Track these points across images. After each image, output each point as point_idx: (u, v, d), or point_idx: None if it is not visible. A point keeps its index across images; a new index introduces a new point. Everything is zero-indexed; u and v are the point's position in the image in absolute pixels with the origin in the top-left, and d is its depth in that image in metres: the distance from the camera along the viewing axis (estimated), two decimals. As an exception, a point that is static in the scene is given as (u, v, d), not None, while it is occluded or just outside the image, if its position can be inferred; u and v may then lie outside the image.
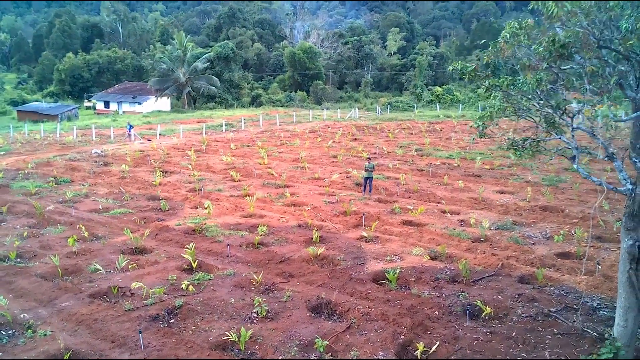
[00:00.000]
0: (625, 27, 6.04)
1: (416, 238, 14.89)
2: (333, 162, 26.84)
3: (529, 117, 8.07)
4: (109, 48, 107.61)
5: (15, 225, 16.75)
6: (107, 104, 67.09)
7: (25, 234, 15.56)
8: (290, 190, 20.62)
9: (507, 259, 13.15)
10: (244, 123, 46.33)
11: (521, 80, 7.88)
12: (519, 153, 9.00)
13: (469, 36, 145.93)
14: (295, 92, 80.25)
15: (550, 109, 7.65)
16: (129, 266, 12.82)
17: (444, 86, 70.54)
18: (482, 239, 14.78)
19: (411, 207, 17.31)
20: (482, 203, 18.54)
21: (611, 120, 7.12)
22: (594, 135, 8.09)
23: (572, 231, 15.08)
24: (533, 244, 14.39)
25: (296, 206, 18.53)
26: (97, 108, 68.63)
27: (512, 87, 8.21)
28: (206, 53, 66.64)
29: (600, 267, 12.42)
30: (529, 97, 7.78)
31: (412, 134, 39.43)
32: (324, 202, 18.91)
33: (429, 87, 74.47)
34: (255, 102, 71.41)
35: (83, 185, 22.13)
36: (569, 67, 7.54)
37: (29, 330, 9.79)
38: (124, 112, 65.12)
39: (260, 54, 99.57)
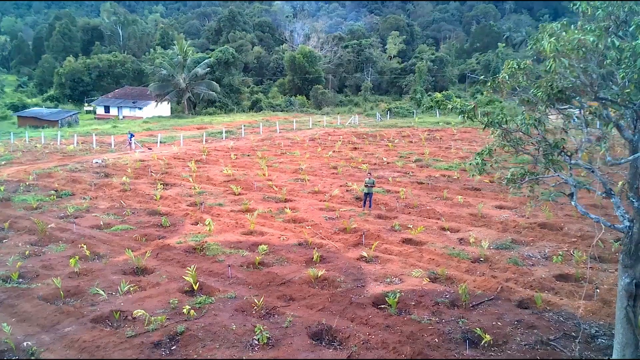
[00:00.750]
0: (623, 76, 6.14)
1: (416, 258, 14.99)
2: (333, 173, 26.93)
3: (527, 153, 8.16)
4: (109, 51, 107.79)
5: (17, 242, 16.83)
6: (107, 109, 67.19)
7: (27, 252, 15.66)
8: (291, 205, 20.71)
9: (507, 281, 13.25)
10: (244, 130, 46.43)
11: (519, 119, 7.97)
12: (518, 186, 9.10)
13: (468, 39, 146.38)
14: (295, 96, 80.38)
15: (548, 147, 7.74)
16: (131, 288, 12.90)
17: (443, 92, 70.69)
18: (481, 259, 14.89)
19: (411, 226, 17.38)
20: (482, 220, 18.63)
21: (609, 162, 7.21)
22: (593, 171, 8.18)
23: (571, 251, 15.18)
24: (532, 265, 14.49)
25: (296, 222, 18.62)
26: (97, 112, 68.78)
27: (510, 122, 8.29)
28: (206, 58, 66.76)
29: (598, 290, 12.52)
30: (528, 134, 7.87)
31: (411, 142, 39.54)
32: (324, 218, 19.00)
33: (429, 92, 74.65)
34: (255, 106, 71.56)
35: (84, 198, 22.22)
36: (567, 107, 7.64)
37: (32, 358, 9.88)
38: (124, 117, 65.24)
39: (260, 57, 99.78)
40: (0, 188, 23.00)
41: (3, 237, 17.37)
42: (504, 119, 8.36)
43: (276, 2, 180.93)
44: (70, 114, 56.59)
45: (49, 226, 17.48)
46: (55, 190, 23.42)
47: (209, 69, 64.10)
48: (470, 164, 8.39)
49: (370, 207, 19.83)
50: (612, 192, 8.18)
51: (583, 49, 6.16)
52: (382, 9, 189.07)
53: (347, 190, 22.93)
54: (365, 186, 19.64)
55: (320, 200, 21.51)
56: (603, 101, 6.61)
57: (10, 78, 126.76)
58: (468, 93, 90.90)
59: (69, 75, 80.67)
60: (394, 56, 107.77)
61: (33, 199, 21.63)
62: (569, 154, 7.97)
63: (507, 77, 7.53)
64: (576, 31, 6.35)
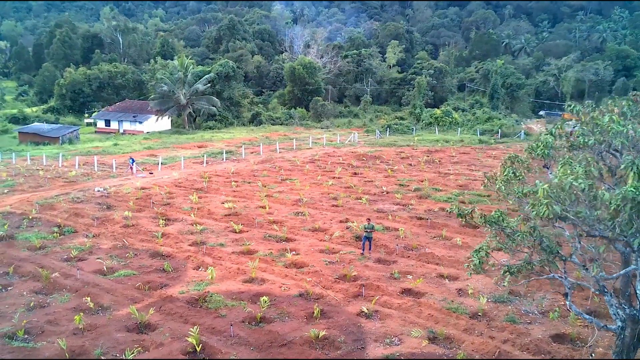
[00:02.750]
0: (614, 207, 6.41)
1: (415, 313, 15.24)
2: (333, 205, 27.16)
3: (523, 260, 8.43)
4: (109, 59, 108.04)
5: (21, 290, 17.09)
6: (107, 122, 67.43)
7: (31, 303, 15.92)
8: (291, 246, 20.95)
9: (504, 342, 13.49)
10: (244, 150, 46.67)
11: (514, 222, 8.22)
12: (515, 276, 9.36)
13: (467, 46, 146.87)
14: (295, 108, 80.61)
15: (544, 253, 8.00)
16: (135, 348, 13.14)
17: (442, 106, 71.08)
18: (479, 314, 15.15)
19: (410, 277, 17.65)
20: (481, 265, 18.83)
21: (602, 277, 7.47)
22: (587, 269, 8.44)
23: (567, 306, 15.42)
24: (529, 322, 14.74)
25: (297, 267, 18.87)
26: (97, 126, 69.03)
27: (505, 223, 8.54)
28: (207, 73, 66.94)
29: (594, 355, 12.77)
30: (523, 238, 8.13)
31: (411, 165, 39.81)
32: (324, 262, 19.24)
33: (428, 107, 75.01)
34: (255, 120, 71.80)
35: (87, 236, 22.45)
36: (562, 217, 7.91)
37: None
38: (124, 130, 65.48)
39: (260, 66, 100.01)
40: (4, 226, 23.21)
41: (8, 285, 17.63)
42: (501, 218, 8.60)
43: (275, 7, 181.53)
44: (70, 130, 56.84)
45: (53, 275, 17.68)
46: (58, 226, 23.62)
47: (209, 84, 64.39)
48: (467, 266, 8.65)
49: (370, 249, 20.06)
50: (606, 290, 8.43)
51: (574, 195, 6.46)
52: (381, 14, 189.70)
53: (347, 228, 23.18)
54: (365, 231, 19.85)
55: (321, 240, 21.76)
56: (595, 237, 6.88)
57: (10, 84, 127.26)
58: (467, 102, 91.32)
59: (69, 86, 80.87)
60: (394, 65, 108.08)
61: (36, 238, 21.87)
62: (563, 258, 8.22)
63: (502, 187, 7.78)
64: (568, 171, 6.61)
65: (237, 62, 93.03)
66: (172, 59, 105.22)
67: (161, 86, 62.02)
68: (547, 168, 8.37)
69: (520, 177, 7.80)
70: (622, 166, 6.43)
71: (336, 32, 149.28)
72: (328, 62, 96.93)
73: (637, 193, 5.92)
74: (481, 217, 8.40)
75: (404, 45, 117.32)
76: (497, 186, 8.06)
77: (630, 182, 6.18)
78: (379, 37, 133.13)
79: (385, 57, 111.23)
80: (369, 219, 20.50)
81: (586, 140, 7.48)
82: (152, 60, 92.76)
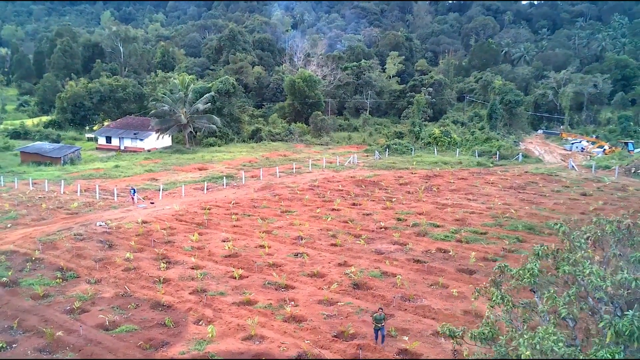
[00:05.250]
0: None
1: (411, 380, 15.62)
2: (332, 245, 27.52)
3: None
4: (110, 69, 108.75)
5: (25, 349, 17.48)
6: (109, 139, 67.86)
7: (36, 366, 16.33)
8: (290, 295, 21.35)
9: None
10: (244, 174, 47.07)
11: (504, 351, 8.58)
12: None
13: (467, 54, 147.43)
14: (295, 122, 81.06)
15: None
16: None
17: (441, 127, 71.60)
18: (473, 380, 15.52)
19: (406, 338, 17.99)
20: (476, 320, 19.19)
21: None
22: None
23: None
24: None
25: (296, 321, 19.24)
26: (99, 142, 69.47)
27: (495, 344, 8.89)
28: (208, 90, 67.45)
29: None
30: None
31: (409, 192, 40.20)
32: (322, 316, 19.60)
33: (427, 121, 75.47)
34: (256, 136, 72.25)
35: (89, 282, 22.85)
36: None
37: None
38: (125, 147, 65.91)
39: (260, 77, 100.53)
40: (9, 272, 23.59)
41: (12, 341, 18.01)
42: (491, 333, 8.97)
43: (276, 13, 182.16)
44: (72, 150, 57.25)
45: (57, 334, 18.03)
46: (61, 270, 24.04)
47: (209, 103, 64.95)
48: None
49: (382, 342, 17.77)
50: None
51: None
52: (381, 19, 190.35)
53: (345, 274, 23.54)
54: (376, 321, 17.83)
55: (319, 289, 22.13)
56: None
57: (11, 92, 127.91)
58: (466, 115, 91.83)
59: (70, 99, 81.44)
60: (393, 76, 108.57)
61: (39, 284, 22.27)
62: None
63: (491, 315, 8.15)
64: (550, 330, 6.99)
65: (237, 73, 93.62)
66: (172, 69, 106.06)
67: (162, 106, 62.55)
68: (534, 292, 8.77)
69: (508, 305, 8.17)
70: (601, 324, 6.82)
71: (336, 38, 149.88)
72: (328, 74, 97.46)
73: (613, 358, 6.32)
74: (472, 337, 8.76)
75: (403, 56, 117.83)
76: (486, 314, 8.43)
77: (608, 341, 6.58)
78: (379, 46, 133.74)
79: (385, 68, 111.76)
80: (381, 309, 18.37)
81: (567, 271, 7.86)
82: (152, 73, 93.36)
